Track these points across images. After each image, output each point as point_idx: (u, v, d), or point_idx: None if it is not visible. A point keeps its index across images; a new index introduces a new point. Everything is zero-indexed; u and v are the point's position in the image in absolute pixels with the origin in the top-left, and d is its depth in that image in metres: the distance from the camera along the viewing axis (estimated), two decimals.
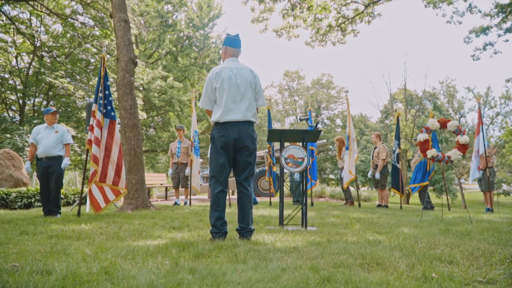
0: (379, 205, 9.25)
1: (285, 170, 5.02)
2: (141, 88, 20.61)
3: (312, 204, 9.16)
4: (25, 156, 5.26)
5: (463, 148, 5.60)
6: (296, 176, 9.66)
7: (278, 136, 4.91)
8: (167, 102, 22.53)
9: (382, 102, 48.11)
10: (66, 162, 6.48)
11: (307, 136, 4.91)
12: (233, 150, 3.71)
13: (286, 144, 4.83)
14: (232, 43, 3.90)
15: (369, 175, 9.11)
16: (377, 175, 8.98)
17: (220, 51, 4.25)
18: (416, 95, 32.18)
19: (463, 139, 5.58)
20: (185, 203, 9.34)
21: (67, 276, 2.08)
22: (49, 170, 6.27)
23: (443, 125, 5.74)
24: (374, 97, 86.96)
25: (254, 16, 14.60)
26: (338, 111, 46.62)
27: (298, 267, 2.39)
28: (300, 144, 4.93)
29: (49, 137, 6.33)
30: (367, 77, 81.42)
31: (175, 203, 9.36)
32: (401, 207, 9.18)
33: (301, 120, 5.77)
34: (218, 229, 3.61)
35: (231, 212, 6.33)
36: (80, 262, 2.56)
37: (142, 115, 19.09)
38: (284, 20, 14.71)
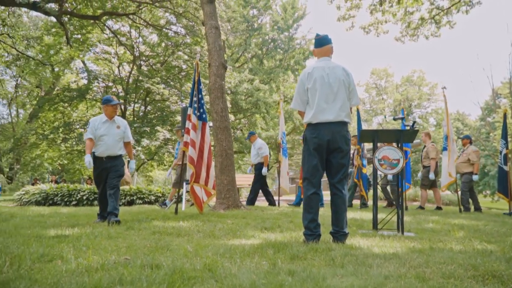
0: (420, 207, 8.87)
1: (378, 172, 4.83)
2: (228, 92, 21.32)
3: (406, 208, 8.70)
4: (126, 156, 5.21)
5: None
6: (389, 177, 9.28)
7: (371, 136, 4.73)
8: (253, 105, 23.02)
9: (483, 98, 44.21)
10: (132, 166, 5.83)
11: (402, 136, 4.67)
12: (326, 151, 3.65)
13: (379, 144, 4.64)
14: (317, 43, 3.85)
15: (428, 176, 8.72)
16: (431, 176, 8.59)
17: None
18: None
19: None
20: (164, 203, 8.69)
21: (174, 272, 2.20)
22: (110, 169, 5.40)
23: None
24: (473, 93, 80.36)
25: (340, 14, 14.31)
26: (431, 109, 43.89)
27: (403, 275, 2.27)
28: (395, 144, 4.71)
29: (110, 134, 5.42)
30: (465, 72, 75.37)
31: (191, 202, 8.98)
32: (510, 214, 8.32)
33: (395, 119, 5.51)
34: (312, 231, 3.57)
35: (322, 215, 6.25)
36: (183, 258, 2.70)
37: (230, 117, 19.73)
38: (372, 16, 14.20)
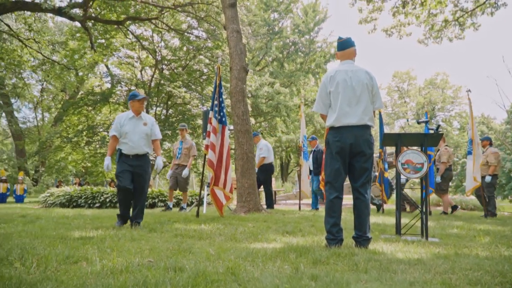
0: (444, 212, 8.64)
1: (401, 177, 4.75)
2: (249, 95, 21.39)
3: (430, 213, 8.54)
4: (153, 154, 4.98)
5: None
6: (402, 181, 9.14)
7: (394, 140, 4.66)
8: (274, 108, 23.03)
9: (509, 100, 43.03)
10: (160, 162, 5.31)
11: (426, 140, 4.58)
12: (349, 155, 3.61)
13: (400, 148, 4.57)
14: (340, 46, 3.82)
15: (437, 180, 8.63)
16: (438, 179, 8.49)
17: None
18: None
19: None
20: (182, 208, 8.49)
21: (198, 275, 2.21)
22: (136, 170, 5.03)
23: None
24: (499, 95, 78.41)
25: (362, 17, 14.18)
26: (455, 112, 43.04)
27: (428, 282, 2.22)
28: (419, 148, 4.62)
29: (136, 131, 5.05)
30: (490, 74, 73.48)
31: (168, 207, 8.42)
32: None
33: (419, 123, 5.42)
34: (334, 235, 3.54)
35: (344, 219, 6.19)
36: (205, 261, 2.71)
37: (251, 120, 19.82)
38: (394, 18, 14.03)
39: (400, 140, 4.58)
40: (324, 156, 4.99)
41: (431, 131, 5.79)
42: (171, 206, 8.41)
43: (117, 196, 5.07)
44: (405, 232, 4.68)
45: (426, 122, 5.26)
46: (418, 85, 45.52)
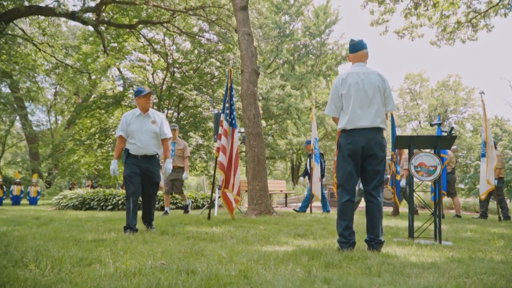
0: (457, 215, 8.66)
1: (414, 179, 4.71)
2: (260, 98, 21.40)
3: (443, 216, 8.45)
4: (161, 161, 4.72)
5: None
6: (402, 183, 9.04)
7: (407, 143, 4.62)
8: (284, 110, 23.00)
9: None
10: (169, 166, 4.94)
11: (440, 142, 4.53)
12: (361, 158, 3.60)
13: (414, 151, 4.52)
14: (352, 48, 3.81)
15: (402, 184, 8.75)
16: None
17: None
18: None
19: None
20: (186, 207, 8.34)
21: (210, 278, 2.22)
22: (145, 172, 4.70)
23: None
24: None
25: (373, 18, 14.10)
26: (468, 114, 42.52)
27: (443, 286, 2.20)
28: (431, 151, 4.58)
29: (144, 130, 4.69)
30: (504, 76, 72.50)
31: (166, 213, 7.84)
32: None
33: (432, 125, 5.37)
34: (346, 239, 3.52)
35: (356, 222, 6.14)
36: (218, 264, 2.72)
37: (262, 123, 19.84)
38: (406, 20, 13.93)
39: (412, 143, 4.54)
40: (335, 159, 4.98)
41: (444, 134, 5.75)
42: (168, 211, 8.00)
43: (126, 202, 4.63)
44: (418, 235, 4.64)
45: (439, 124, 5.20)
46: (431, 87, 45.08)
